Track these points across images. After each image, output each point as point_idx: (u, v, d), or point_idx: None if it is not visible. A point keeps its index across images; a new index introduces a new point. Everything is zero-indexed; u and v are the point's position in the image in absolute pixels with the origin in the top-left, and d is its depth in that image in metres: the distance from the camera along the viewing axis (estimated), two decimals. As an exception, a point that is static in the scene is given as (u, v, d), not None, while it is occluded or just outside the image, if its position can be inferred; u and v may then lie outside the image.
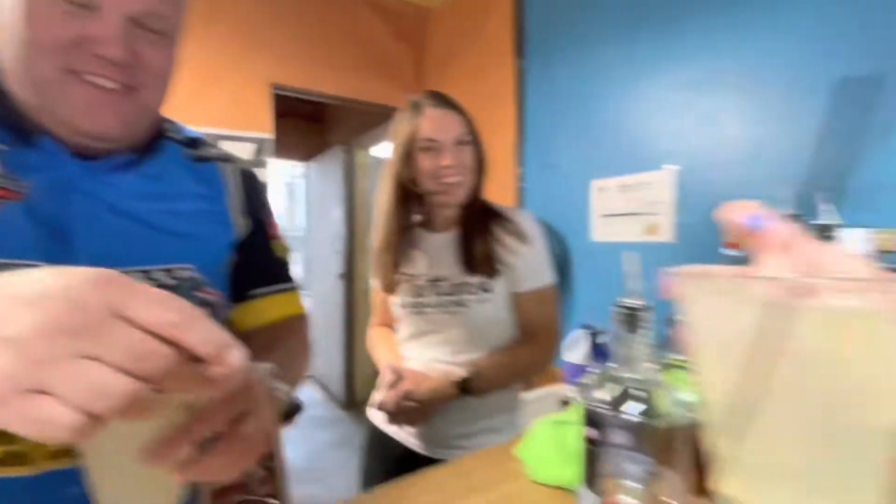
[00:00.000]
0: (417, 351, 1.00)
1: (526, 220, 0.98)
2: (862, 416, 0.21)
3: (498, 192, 2.10)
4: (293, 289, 0.68)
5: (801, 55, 1.16)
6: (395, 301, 1.01)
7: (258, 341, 0.60)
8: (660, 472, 0.41)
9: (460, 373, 0.89)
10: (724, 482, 0.25)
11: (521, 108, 2.03)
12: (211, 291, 0.56)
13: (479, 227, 0.96)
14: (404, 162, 0.95)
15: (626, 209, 1.57)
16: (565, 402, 1.20)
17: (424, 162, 0.93)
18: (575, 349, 1.68)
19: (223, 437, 0.34)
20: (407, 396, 0.86)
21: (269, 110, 2.40)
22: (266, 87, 2.38)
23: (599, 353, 1.55)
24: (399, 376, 0.89)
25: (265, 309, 0.63)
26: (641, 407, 0.40)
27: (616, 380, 0.43)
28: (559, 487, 0.53)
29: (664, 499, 0.41)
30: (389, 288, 1.02)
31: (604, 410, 0.41)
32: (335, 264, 3.74)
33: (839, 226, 0.66)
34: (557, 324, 1.00)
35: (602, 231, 1.67)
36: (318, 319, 4.16)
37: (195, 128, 0.63)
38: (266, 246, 0.66)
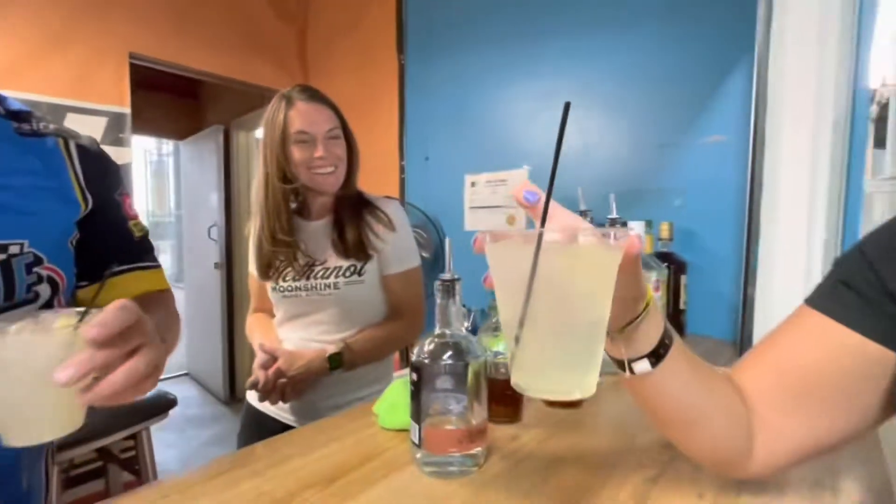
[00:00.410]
0: (293, 332, 1.06)
1: (394, 209, 1.08)
2: (583, 314, 0.35)
3: (383, 183, 2.19)
4: (155, 267, 0.69)
5: (615, 83, 1.45)
6: (271, 286, 1.05)
7: None
8: (471, 405, 0.55)
9: (332, 349, 0.97)
10: (514, 375, 0.37)
11: (402, 103, 2.13)
12: (52, 268, 0.56)
13: (351, 216, 1.04)
14: (278, 153, 0.99)
15: (491, 202, 1.77)
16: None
17: (297, 154, 0.98)
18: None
19: (122, 365, 0.40)
20: (279, 374, 0.92)
21: (126, 82, 2.16)
22: (122, 55, 2.15)
23: (471, 331, 1.73)
24: (271, 356, 0.94)
25: (125, 285, 0.63)
26: (451, 353, 0.53)
27: (438, 337, 0.55)
28: (402, 430, 0.65)
29: (473, 422, 0.55)
30: (265, 274, 1.05)
31: (424, 360, 0.53)
32: (212, 253, 3.50)
33: (624, 220, 0.89)
34: (423, 302, 1.13)
35: (473, 221, 1.86)
36: (194, 312, 3.86)
37: (34, 96, 0.60)
38: (122, 226, 0.66)
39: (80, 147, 0.62)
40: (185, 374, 4.06)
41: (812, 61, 0.86)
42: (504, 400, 0.69)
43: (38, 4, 1.90)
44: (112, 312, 0.39)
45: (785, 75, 0.89)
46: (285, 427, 1.01)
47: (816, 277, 0.97)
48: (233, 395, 3.50)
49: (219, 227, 3.48)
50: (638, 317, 0.40)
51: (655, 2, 1.35)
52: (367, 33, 2.33)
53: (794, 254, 0.91)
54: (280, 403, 0.96)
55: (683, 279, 1.17)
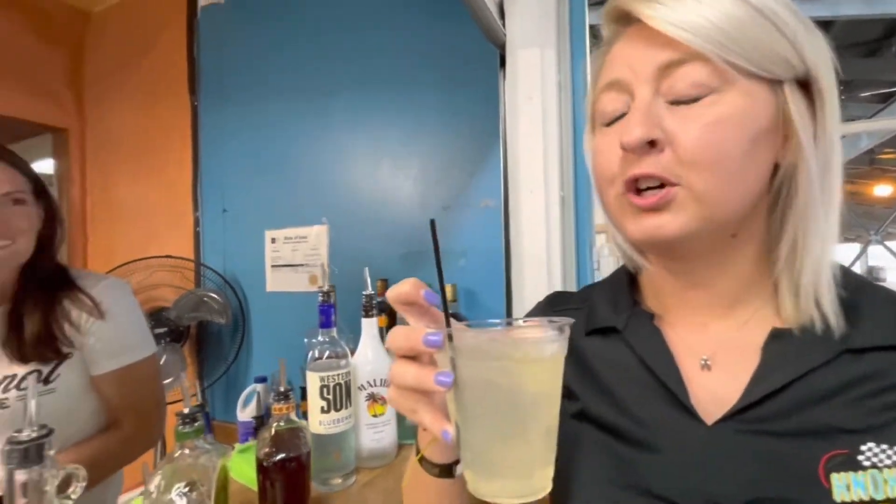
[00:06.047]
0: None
1: (105, 291, 0.86)
2: (527, 414, 0.34)
3: (176, 237, 1.88)
4: None
5: (400, 142, 1.46)
6: None
7: None
8: None
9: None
10: (466, 475, 0.36)
11: (196, 148, 1.88)
12: None
13: (36, 303, 0.80)
14: None
15: (292, 260, 1.62)
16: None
17: None
18: (248, 406, 1.61)
19: None
20: None
21: None
22: None
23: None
24: None
25: None
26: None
27: None
28: None
29: None
30: None
31: None
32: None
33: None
34: (153, 402, 0.91)
35: (276, 281, 1.68)
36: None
37: None
38: None
39: None
40: None
41: (539, 139, 0.95)
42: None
43: None
44: None
45: (520, 151, 0.96)
46: None
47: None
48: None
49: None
50: None
51: (430, 75, 1.40)
52: (155, 67, 2.04)
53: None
54: None
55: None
